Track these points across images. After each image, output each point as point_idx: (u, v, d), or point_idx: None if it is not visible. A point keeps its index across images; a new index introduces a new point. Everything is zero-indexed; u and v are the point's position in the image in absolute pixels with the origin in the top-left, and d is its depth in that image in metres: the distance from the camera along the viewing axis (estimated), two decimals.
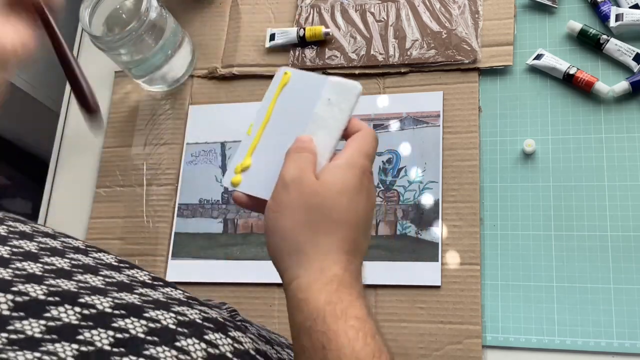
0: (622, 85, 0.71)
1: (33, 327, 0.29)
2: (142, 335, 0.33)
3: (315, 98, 0.48)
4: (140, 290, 0.38)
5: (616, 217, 0.68)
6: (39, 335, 0.28)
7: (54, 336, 0.29)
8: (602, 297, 0.65)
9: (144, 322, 0.34)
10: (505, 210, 0.71)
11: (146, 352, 0.31)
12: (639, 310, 0.64)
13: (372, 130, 0.47)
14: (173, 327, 0.35)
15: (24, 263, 0.34)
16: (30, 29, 0.51)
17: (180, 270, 0.77)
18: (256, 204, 0.47)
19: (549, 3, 0.77)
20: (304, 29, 0.82)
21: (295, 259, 0.41)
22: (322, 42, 0.82)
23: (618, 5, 0.75)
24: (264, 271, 0.74)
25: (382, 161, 0.76)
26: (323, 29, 0.81)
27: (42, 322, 0.29)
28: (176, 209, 0.80)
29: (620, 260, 0.66)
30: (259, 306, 0.73)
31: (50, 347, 0.28)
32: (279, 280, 0.74)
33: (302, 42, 0.82)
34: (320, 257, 0.41)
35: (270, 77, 0.82)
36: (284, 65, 0.83)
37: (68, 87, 0.93)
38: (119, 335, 0.31)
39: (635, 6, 0.74)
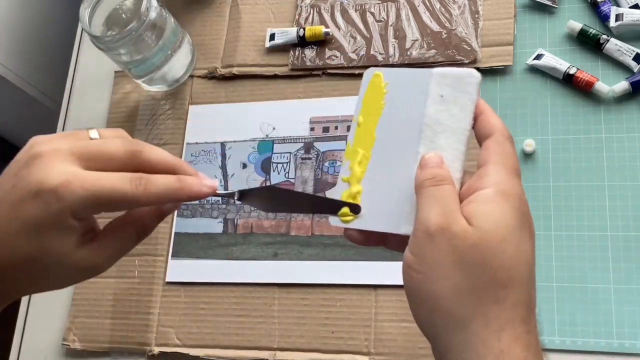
0: (622, 85, 0.70)
1: None
2: None
3: (424, 97, 0.40)
4: None
5: (616, 217, 0.68)
6: None
7: None
8: (602, 297, 0.65)
9: None
10: None
11: None
12: (639, 310, 0.64)
13: (507, 130, 0.37)
14: None
15: None
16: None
17: (180, 270, 0.77)
18: (373, 238, 0.40)
19: (549, 3, 0.77)
20: (304, 29, 0.82)
21: (461, 339, 0.32)
22: (322, 42, 0.82)
23: (618, 5, 0.75)
24: (264, 271, 0.74)
25: None
26: (323, 29, 0.81)
27: None
28: None
29: (620, 260, 0.66)
30: (259, 306, 0.73)
31: None
32: (279, 280, 0.75)
33: (302, 42, 0.82)
34: (494, 335, 0.31)
35: (271, 77, 0.84)
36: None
37: (68, 87, 0.93)
38: None
39: (635, 6, 0.74)
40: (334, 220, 0.41)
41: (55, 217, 0.35)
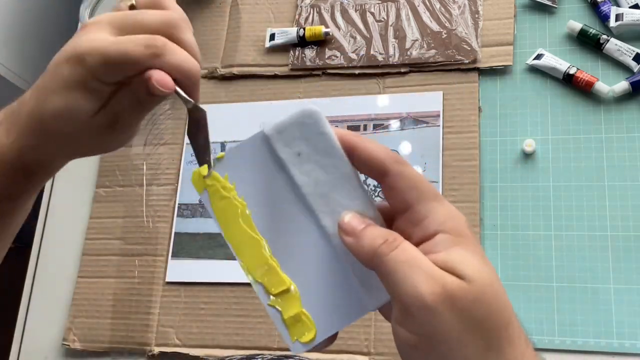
0: (622, 85, 0.70)
1: None
2: None
3: (280, 167, 0.34)
4: None
5: (616, 217, 0.68)
6: None
7: None
8: (602, 297, 0.65)
9: None
10: (505, 210, 0.71)
11: None
12: (639, 310, 0.64)
13: (395, 154, 0.32)
14: None
15: None
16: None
17: (180, 270, 0.77)
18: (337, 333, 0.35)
19: (549, 3, 0.77)
20: (304, 29, 0.82)
21: None
22: (322, 42, 0.82)
23: (618, 5, 0.75)
24: None
25: None
26: (323, 29, 0.81)
27: None
28: (176, 209, 0.80)
29: (620, 260, 0.66)
30: (259, 306, 0.73)
31: None
32: None
33: (302, 41, 0.82)
34: None
35: (271, 77, 0.84)
36: (278, 68, 0.83)
37: None
38: None
39: (635, 6, 0.74)
40: (296, 347, 0.34)
41: (79, 78, 0.40)
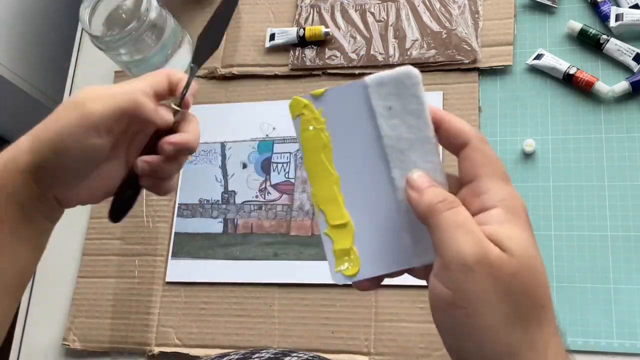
0: (622, 85, 0.70)
1: None
2: None
3: (370, 115, 0.36)
4: None
5: (616, 217, 0.68)
6: None
7: None
8: (602, 297, 0.65)
9: None
10: None
11: None
12: (639, 310, 0.64)
13: (480, 133, 0.35)
14: None
15: None
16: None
17: (180, 270, 0.77)
18: (381, 278, 0.38)
19: (549, 3, 0.77)
20: (304, 29, 0.82)
21: None
22: (322, 42, 0.82)
23: (618, 5, 0.75)
24: (264, 271, 0.74)
25: None
26: (323, 29, 0.81)
27: None
28: (176, 208, 0.80)
29: (620, 260, 0.66)
30: (259, 306, 0.73)
31: None
32: (279, 280, 0.75)
33: (302, 41, 0.82)
34: (541, 356, 0.32)
35: (271, 77, 0.83)
36: (280, 68, 0.83)
37: (68, 87, 0.93)
38: None
39: (635, 6, 0.74)
40: (337, 278, 0.38)
41: (85, 118, 0.46)
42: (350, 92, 0.36)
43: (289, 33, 0.83)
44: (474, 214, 0.33)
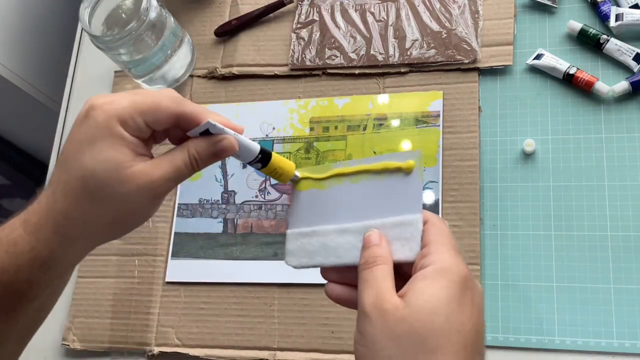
0: (622, 85, 0.70)
1: None
2: None
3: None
4: None
5: (616, 217, 0.68)
6: None
7: None
8: (602, 297, 0.65)
9: None
10: (505, 210, 0.71)
11: None
12: (639, 310, 0.64)
13: (440, 218, 0.41)
14: None
15: None
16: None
17: (180, 270, 0.77)
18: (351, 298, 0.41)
19: (549, 3, 0.77)
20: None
21: None
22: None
23: (618, 5, 0.75)
24: (264, 271, 0.74)
25: None
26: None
27: None
28: (176, 208, 0.80)
29: (620, 260, 0.66)
30: (259, 306, 0.73)
31: None
32: (279, 280, 0.75)
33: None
34: None
35: (271, 77, 0.83)
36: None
37: (68, 87, 0.93)
38: None
39: (635, 6, 0.74)
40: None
41: (104, 126, 0.38)
42: (412, 197, 0.41)
43: None
44: (417, 270, 0.38)
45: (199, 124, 0.41)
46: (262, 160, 0.44)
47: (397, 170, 0.41)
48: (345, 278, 0.42)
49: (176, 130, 0.43)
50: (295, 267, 0.45)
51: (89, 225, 0.40)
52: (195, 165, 0.43)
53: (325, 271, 0.43)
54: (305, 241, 0.44)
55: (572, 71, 0.72)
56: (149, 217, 0.44)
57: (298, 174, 0.45)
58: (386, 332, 0.35)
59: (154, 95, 0.41)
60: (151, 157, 0.42)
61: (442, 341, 0.34)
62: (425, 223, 0.39)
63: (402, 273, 0.39)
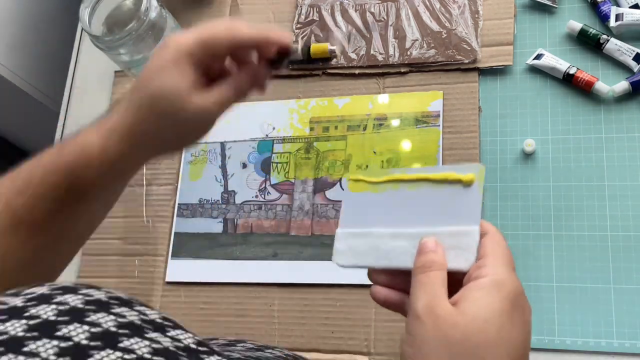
0: (622, 85, 0.70)
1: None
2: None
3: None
4: None
5: (616, 217, 0.68)
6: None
7: None
8: (602, 297, 0.65)
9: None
10: (505, 210, 0.71)
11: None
12: (639, 310, 0.64)
13: (500, 232, 0.41)
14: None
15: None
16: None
17: (180, 270, 0.77)
18: (399, 301, 0.42)
19: (549, 3, 0.77)
20: (309, 47, 0.80)
21: None
22: (327, 59, 0.81)
23: (618, 5, 0.75)
24: (264, 271, 0.74)
25: (382, 161, 0.76)
26: (329, 46, 0.79)
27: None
28: (176, 208, 0.80)
29: (620, 260, 0.66)
30: (259, 306, 0.73)
31: None
32: (279, 280, 0.75)
33: (308, 58, 0.81)
34: None
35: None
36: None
37: (68, 87, 0.93)
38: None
39: (635, 6, 0.74)
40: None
41: (172, 58, 0.45)
42: (472, 211, 0.41)
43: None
44: (471, 280, 0.38)
45: (252, 48, 0.48)
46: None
47: (457, 181, 0.41)
48: (392, 281, 0.42)
49: (237, 55, 0.48)
50: (343, 267, 0.44)
51: (156, 137, 0.47)
52: (249, 90, 0.49)
53: (373, 273, 0.43)
54: (355, 241, 0.44)
55: (572, 71, 0.72)
56: (205, 135, 0.49)
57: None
58: (437, 336, 0.35)
59: (213, 28, 0.46)
60: (210, 84, 0.48)
61: (492, 352, 0.35)
62: (483, 235, 0.40)
63: (452, 282, 0.39)
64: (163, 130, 0.46)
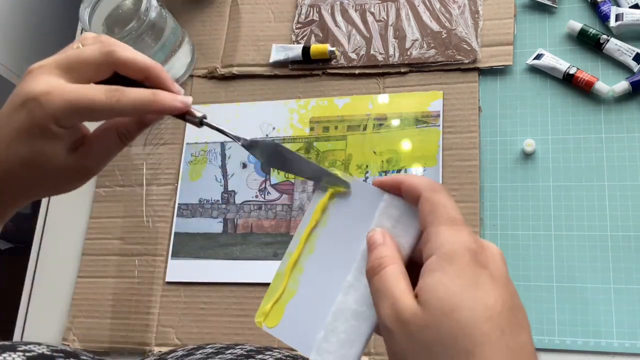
0: (622, 85, 0.70)
1: None
2: None
3: (366, 219, 0.38)
4: None
5: (616, 217, 0.68)
6: None
7: None
8: (602, 297, 0.65)
9: None
10: (505, 210, 0.71)
11: None
12: (639, 310, 0.64)
13: (433, 183, 0.36)
14: None
15: None
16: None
17: (180, 270, 0.77)
18: None
19: (549, 3, 0.77)
20: (309, 47, 0.81)
21: None
22: (327, 60, 0.81)
23: (618, 5, 0.75)
24: (264, 271, 0.74)
25: (382, 161, 0.76)
26: (328, 47, 0.80)
27: None
28: (176, 208, 0.80)
29: (620, 260, 0.66)
30: (259, 306, 0.73)
31: None
32: None
33: (307, 58, 0.81)
34: None
35: (271, 77, 0.83)
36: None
37: None
38: None
39: (635, 6, 0.74)
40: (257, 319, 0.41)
41: (40, 123, 0.41)
42: (368, 193, 0.39)
43: (293, 49, 0.82)
44: (425, 260, 0.34)
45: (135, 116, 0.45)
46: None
47: (333, 197, 0.40)
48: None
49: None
50: None
51: (23, 190, 0.44)
52: (125, 141, 0.46)
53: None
54: (327, 346, 0.38)
55: (572, 71, 0.72)
56: (79, 187, 0.47)
57: None
58: (414, 346, 0.32)
59: (89, 92, 0.41)
60: (86, 137, 0.45)
61: (474, 337, 0.31)
62: (418, 200, 0.36)
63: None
64: (34, 187, 0.44)
